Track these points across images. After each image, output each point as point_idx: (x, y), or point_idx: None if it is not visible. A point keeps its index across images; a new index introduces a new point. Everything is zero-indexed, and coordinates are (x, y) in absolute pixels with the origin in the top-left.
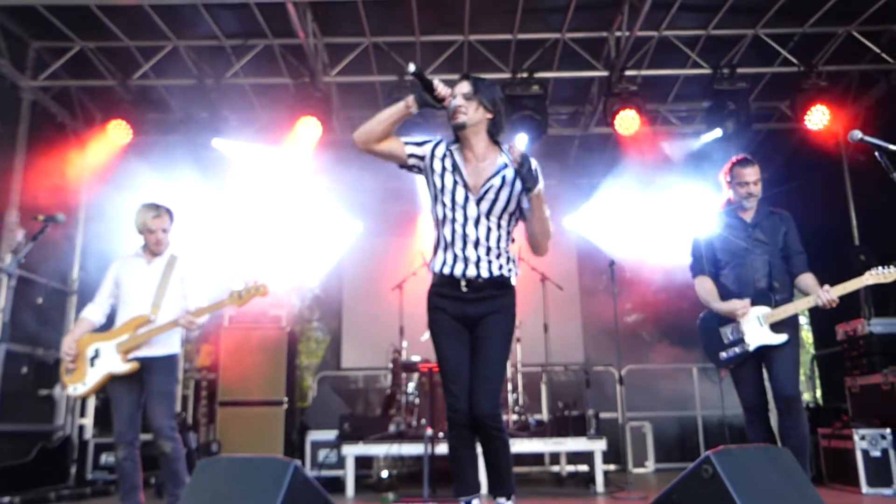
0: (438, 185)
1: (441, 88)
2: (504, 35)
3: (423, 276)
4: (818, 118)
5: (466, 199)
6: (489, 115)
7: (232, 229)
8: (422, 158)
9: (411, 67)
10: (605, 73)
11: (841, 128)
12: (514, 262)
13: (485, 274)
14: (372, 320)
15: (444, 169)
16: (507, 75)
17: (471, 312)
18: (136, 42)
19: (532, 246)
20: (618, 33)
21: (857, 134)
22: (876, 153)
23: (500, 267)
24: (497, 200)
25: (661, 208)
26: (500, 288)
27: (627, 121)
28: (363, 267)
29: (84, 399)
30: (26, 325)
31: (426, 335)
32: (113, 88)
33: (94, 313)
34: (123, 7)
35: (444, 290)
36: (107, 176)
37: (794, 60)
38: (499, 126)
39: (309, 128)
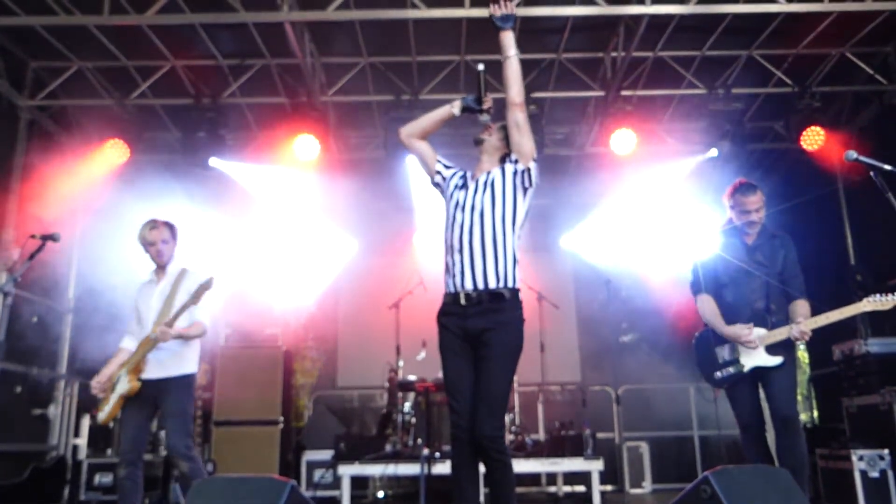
0: (448, 201)
1: (489, 97)
2: (500, 55)
3: (420, 295)
4: (813, 138)
5: (465, 198)
6: (506, 150)
7: (229, 248)
8: (444, 178)
9: (480, 67)
10: (600, 93)
11: (836, 148)
12: (515, 273)
13: (481, 285)
14: (368, 339)
15: (455, 186)
16: (503, 95)
17: (471, 326)
18: (134, 62)
19: (507, 86)
20: (613, 54)
21: (853, 154)
22: (871, 173)
23: (499, 277)
24: (486, 187)
25: (657, 227)
26: (499, 301)
27: (623, 140)
28: (359, 286)
29: (78, 419)
30: (21, 344)
31: (422, 354)
32: (110, 108)
33: (127, 342)
34: (121, 27)
35: (447, 307)
36: (104, 195)
37: (789, 81)
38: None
39: (306, 147)
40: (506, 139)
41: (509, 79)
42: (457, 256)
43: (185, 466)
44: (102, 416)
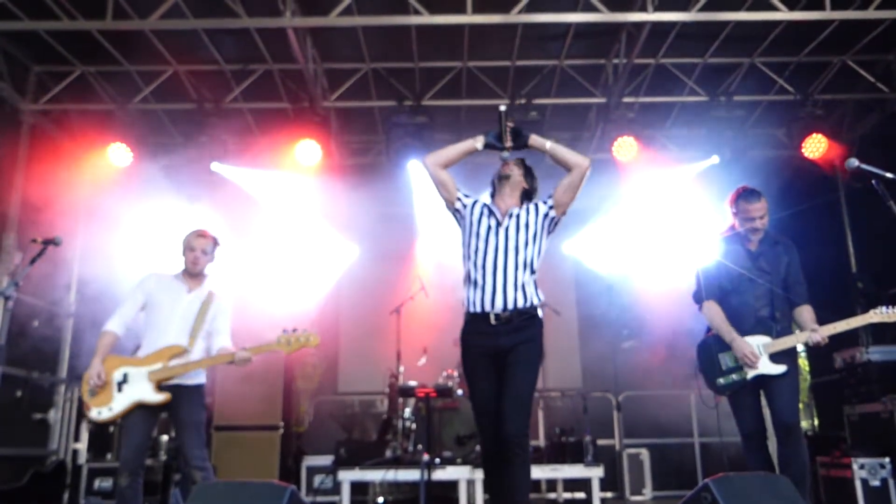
0: (474, 225)
1: (510, 136)
2: (502, 62)
3: (421, 302)
4: (815, 146)
5: (497, 227)
6: (525, 185)
7: (230, 253)
8: (465, 206)
9: (502, 108)
10: (602, 100)
11: (837, 155)
12: (538, 292)
13: (510, 305)
14: (369, 345)
15: (480, 213)
16: (505, 101)
17: (502, 343)
18: (137, 66)
19: (567, 165)
20: (615, 61)
21: (854, 162)
22: (872, 181)
23: (526, 298)
24: (519, 225)
25: (659, 234)
26: (528, 319)
27: (625, 147)
28: (360, 291)
29: (79, 423)
30: (22, 349)
31: (423, 360)
32: (113, 112)
33: (119, 326)
34: (124, 32)
35: (474, 326)
36: (105, 199)
37: (790, 89)
38: (531, 197)
39: (308, 152)
40: (525, 176)
41: (564, 160)
42: (489, 278)
43: (198, 476)
44: (107, 414)
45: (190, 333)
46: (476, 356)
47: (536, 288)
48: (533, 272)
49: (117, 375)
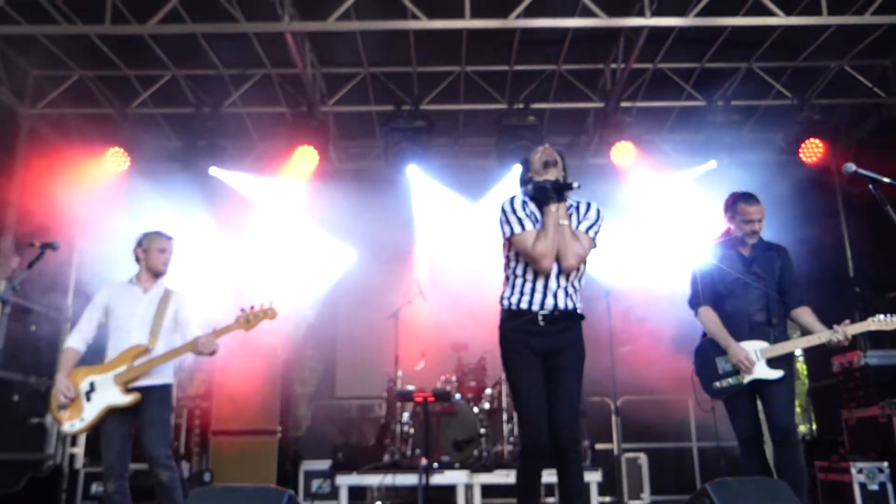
0: (532, 224)
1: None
2: (501, 66)
3: (419, 306)
4: (812, 151)
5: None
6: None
7: (228, 257)
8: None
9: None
10: (600, 105)
11: (834, 160)
12: (581, 294)
13: (561, 306)
14: (367, 349)
15: (529, 216)
16: (503, 106)
17: (548, 345)
18: (135, 71)
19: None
20: (613, 65)
21: (851, 166)
22: (869, 185)
23: (573, 299)
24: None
25: (657, 238)
26: (574, 320)
27: (623, 152)
28: (358, 295)
29: None
30: (19, 353)
31: (421, 364)
32: (111, 116)
33: (79, 342)
34: (123, 36)
35: (519, 324)
36: (103, 204)
37: (788, 94)
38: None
39: (306, 157)
40: (563, 171)
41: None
42: (539, 283)
43: (164, 475)
44: (80, 425)
45: (150, 332)
46: (521, 351)
47: (582, 290)
48: (584, 273)
49: (84, 385)
